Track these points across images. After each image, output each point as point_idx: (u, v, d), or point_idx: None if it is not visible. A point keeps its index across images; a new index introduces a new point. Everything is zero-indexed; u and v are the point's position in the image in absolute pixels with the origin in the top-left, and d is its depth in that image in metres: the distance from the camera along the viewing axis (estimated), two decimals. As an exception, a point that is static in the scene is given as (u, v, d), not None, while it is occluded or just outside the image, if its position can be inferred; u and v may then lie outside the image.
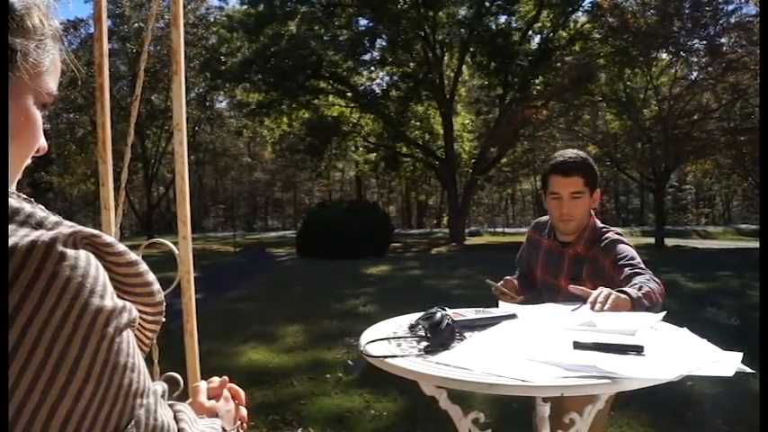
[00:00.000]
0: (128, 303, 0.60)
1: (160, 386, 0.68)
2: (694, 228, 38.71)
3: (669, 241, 21.57)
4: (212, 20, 30.10)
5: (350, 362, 5.16)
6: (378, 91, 28.48)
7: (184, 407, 0.75)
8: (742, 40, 19.07)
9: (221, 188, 54.24)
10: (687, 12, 19.82)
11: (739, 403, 3.83)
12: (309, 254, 17.37)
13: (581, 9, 24.40)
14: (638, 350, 1.32)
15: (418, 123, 29.05)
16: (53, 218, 0.58)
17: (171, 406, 0.71)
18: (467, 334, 1.55)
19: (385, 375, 1.41)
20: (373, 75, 28.56)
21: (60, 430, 0.51)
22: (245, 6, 26.02)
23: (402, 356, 1.38)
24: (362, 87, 28.12)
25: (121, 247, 0.62)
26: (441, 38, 24.99)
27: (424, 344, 1.47)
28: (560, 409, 1.56)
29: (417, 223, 52.64)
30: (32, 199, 0.63)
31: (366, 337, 1.59)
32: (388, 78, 28.70)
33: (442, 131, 26.74)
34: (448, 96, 25.33)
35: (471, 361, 1.31)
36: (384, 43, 26.13)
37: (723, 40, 20.18)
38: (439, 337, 1.45)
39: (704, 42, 20.33)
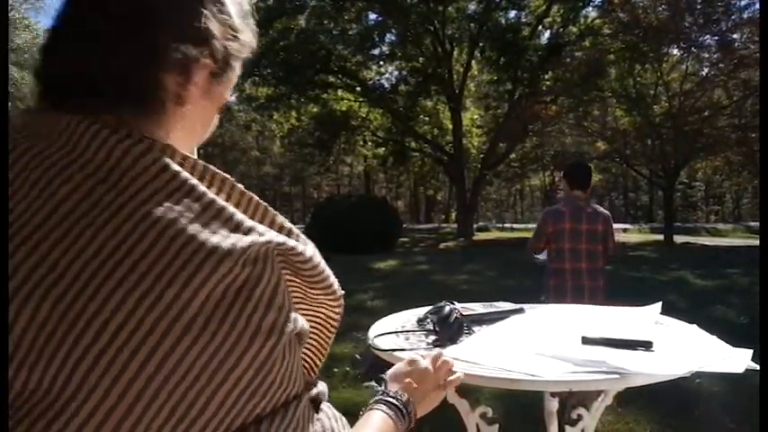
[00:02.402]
0: (296, 315, 0.65)
1: (315, 389, 0.74)
2: (704, 225, 38.46)
3: (678, 238, 21.44)
4: (222, 13, 30.17)
5: (357, 356, 5.17)
6: (387, 86, 28.32)
7: (326, 414, 0.77)
8: (754, 36, 18.83)
9: (230, 182, 54.23)
10: (699, 7, 19.58)
11: (747, 401, 3.81)
12: (317, 248, 17.32)
13: (591, 4, 24.15)
14: (646, 346, 1.32)
15: (427, 118, 28.94)
16: (249, 222, 0.62)
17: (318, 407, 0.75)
18: (475, 328, 1.56)
19: (393, 369, 1.41)
20: (382, 69, 28.42)
21: (219, 405, 0.57)
22: (254, 0, 25.97)
23: (410, 350, 1.39)
24: (371, 82, 27.99)
25: (301, 247, 0.67)
26: (450, 33, 24.86)
27: (433, 338, 1.48)
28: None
29: (425, 218, 52.57)
30: (237, 185, 0.66)
31: (374, 330, 1.59)
32: (397, 73, 28.55)
33: (450, 127, 26.63)
34: (457, 91, 25.20)
35: (480, 355, 1.31)
36: (393, 38, 25.97)
37: (735, 36, 19.92)
38: (447, 331, 1.45)
39: (716, 38, 20.09)
